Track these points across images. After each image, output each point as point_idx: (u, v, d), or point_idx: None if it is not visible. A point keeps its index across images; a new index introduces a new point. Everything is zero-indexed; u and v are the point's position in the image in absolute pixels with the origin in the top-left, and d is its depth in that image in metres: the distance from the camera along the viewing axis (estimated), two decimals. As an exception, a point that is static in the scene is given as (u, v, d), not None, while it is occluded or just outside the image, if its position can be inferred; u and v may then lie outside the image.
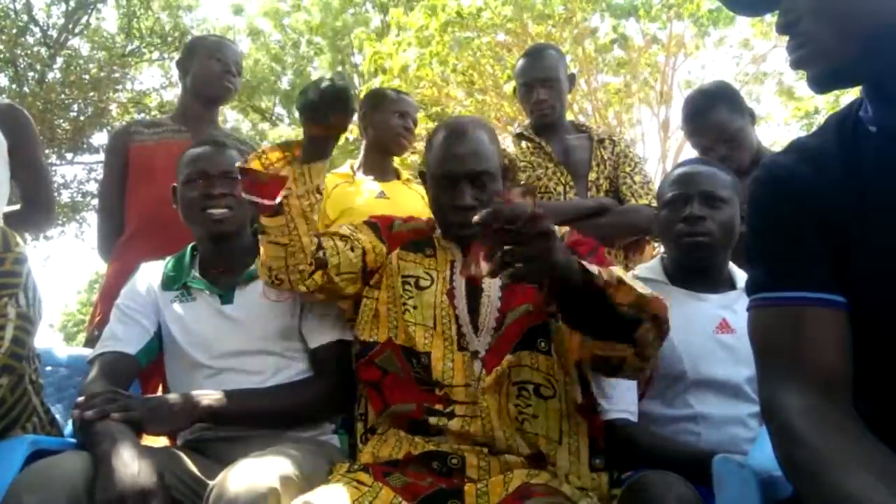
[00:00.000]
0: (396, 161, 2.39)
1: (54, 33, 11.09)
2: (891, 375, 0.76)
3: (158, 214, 1.96)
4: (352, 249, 1.33)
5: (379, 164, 2.27)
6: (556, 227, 1.20)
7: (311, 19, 12.31)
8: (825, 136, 0.83)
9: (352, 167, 2.28)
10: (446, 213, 1.34)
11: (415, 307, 1.31)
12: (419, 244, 1.39)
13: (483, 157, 1.32)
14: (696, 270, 1.46)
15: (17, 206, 1.92)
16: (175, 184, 1.54)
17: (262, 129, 13.86)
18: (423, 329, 1.30)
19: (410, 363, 1.28)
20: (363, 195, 2.16)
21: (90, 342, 1.97)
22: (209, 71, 2.13)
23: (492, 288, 1.30)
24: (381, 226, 1.42)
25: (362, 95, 2.45)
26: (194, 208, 1.46)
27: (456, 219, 1.31)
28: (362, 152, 2.34)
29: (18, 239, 1.24)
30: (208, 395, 1.29)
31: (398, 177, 2.30)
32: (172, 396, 1.29)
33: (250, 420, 1.33)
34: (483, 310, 1.29)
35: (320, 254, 1.28)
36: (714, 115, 1.95)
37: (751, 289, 0.84)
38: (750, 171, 1.85)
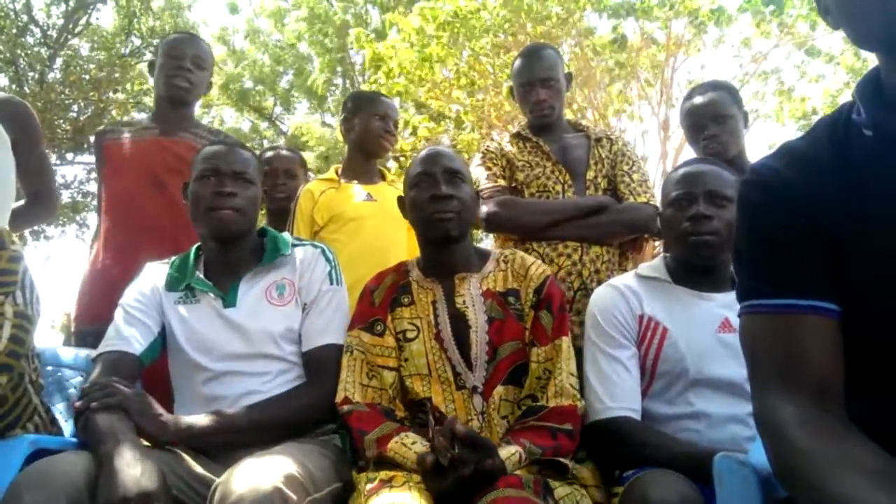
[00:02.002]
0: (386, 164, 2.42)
1: (54, 33, 11.08)
2: (888, 380, 0.76)
3: (127, 208, 2.03)
4: (389, 369, 1.40)
5: (363, 167, 2.30)
6: (536, 269, 1.46)
7: (300, 28, 12.32)
8: (816, 140, 0.82)
9: (336, 171, 2.31)
10: (425, 207, 1.42)
11: (406, 360, 1.41)
12: (398, 298, 1.46)
13: (457, 161, 1.48)
14: (699, 269, 1.45)
15: (21, 203, 1.92)
16: (186, 181, 1.53)
17: (261, 128, 13.86)
18: (419, 378, 1.39)
19: (417, 417, 1.38)
20: (350, 199, 2.18)
21: (76, 336, 2.04)
22: (163, 69, 2.14)
23: (478, 322, 1.40)
24: (365, 317, 1.44)
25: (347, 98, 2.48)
26: (202, 206, 1.45)
27: (435, 207, 1.41)
28: (346, 156, 2.36)
29: (14, 237, 1.24)
30: (197, 419, 1.28)
31: (383, 178, 2.34)
32: (164, 412, 1.28)
33: (245, 437, 1.28)
34: (473, 345, 1.38)
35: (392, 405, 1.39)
36: (714, 94, 2.07)
37: (741, 295, 0.84)
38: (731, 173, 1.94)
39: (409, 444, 1.24)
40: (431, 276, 1.46)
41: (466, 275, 1.45)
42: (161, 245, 1.57)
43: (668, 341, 1.40)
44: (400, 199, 1.57)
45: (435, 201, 1.41)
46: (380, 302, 1.46)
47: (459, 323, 1.40)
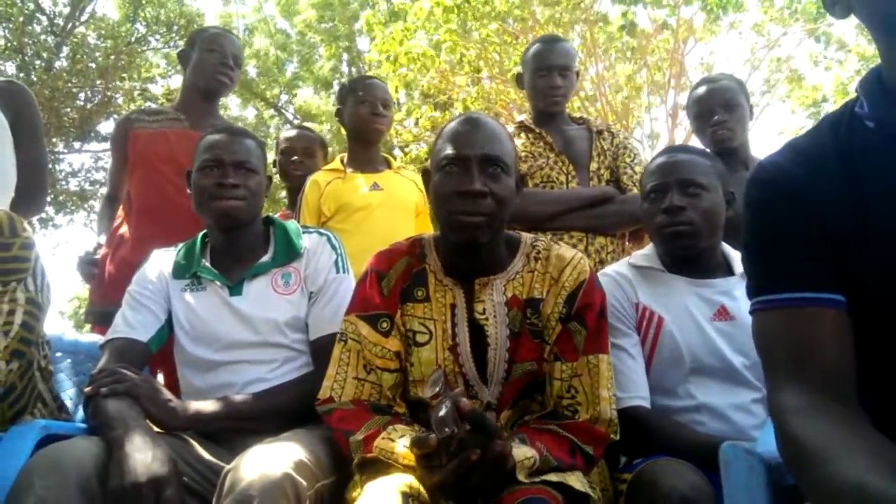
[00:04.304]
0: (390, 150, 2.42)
1: (60, 21, 11.07)
2: (891, 375, 0.76)
3: (156, 200, 2.04)
4: (389, 371, 1.21)
5: (365, 155, 2.28)
6: (572, 272, 1.21)
7: (310, 17, 12.26)
8: (820, 135, 0.83)
9: (342, 161, 2.29)
10: (451, 202, 1.15)
11: (412, 365, 1.22)
12: (411, 288, 1.24)
13: (498, 143, 1.18)
14: (685, 259, 1.44)
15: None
16: (189, 170, 1.53)
17: (266, 116, 13.83)
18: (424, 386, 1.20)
19: (418, 418, 1.22)
20: (356, 189, 2.18)
21: (89, 315, 2.10)
22: (205, 63, 2.15)
23: (499, 338, 1.20)
24: (368, 305, 1.23)
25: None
26: (205, 196, 1.45)
27: (462, 206, 1.13)
28: (348, 146, 2.36)
29: (25, 224, 1.24)
30: (206, 406, 1.29)
31: (389, 166, 2.32)
32: (173, 398, 1.29)
33: (253, 424, 1.29)
34: (491, 363, 1.20)
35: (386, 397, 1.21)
36: (724, 82, 2.10)
37: (751, 292, 0.84)
38: (733, 163, 2.01)
39: (397, 438, 1.07)
40: (452, 274, 1.23)
41: (489, 279, 1.21)
42: (189, 237, 1.57)
43: (663, 330, 1.38)
44: (425, 173, 1.28)
45: (463, 198, 1.13)
46: (389, 292, 1.23)
47: (477, 334, 1.20)
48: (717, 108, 2.03)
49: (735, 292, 1.40)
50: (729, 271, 1.45)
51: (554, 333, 1.19)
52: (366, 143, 2.30)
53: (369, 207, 2.15)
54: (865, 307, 0.76)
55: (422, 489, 1.00)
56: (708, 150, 2.11)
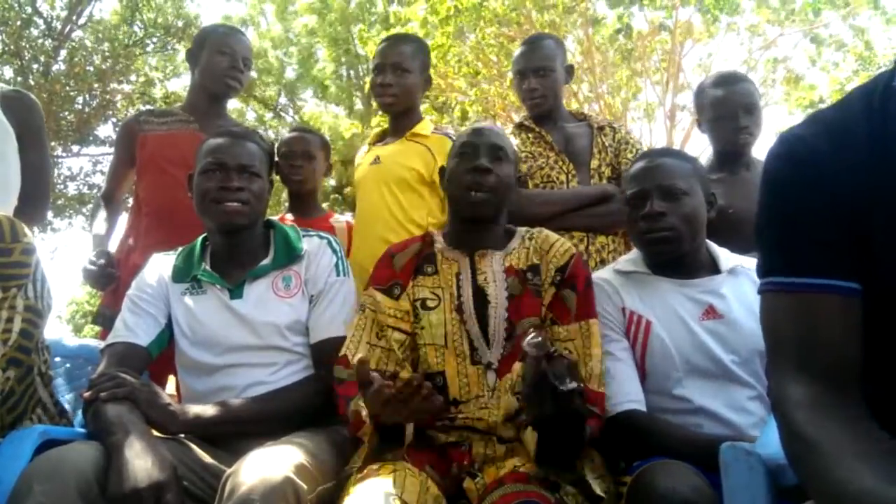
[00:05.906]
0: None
1: (58, 25, 11.08)
2: None
3: (167, 204, 2.01)
4: (400, 331, 1.37)
5: (396, 125, 2.12)
6: (561, 246, 1.41)
7: (311, 23, 12.26)
8: (848, 108, 0.78)
9: (378, 136, 2.22)
10: (462, 177, 1.39)
11: (423, 328, 1.37)
12: (420, 265, 1.44)
13: (503, 138, 1.47)
14: (670, 261, 1.43)
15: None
16: (191, 172, 1.52)
17: (266, 119, 13.83)
18: (433, 349, 1.36)
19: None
20: (362, 166, 2.13)
21: (99, 317, 2.07)
22: (216, 66, 2.10)
23: (498, 298, 1.37)
24: (383, 279, 1.43)
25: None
26: (208, 200, 1.44)
27: (472, 179, 1.38)
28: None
29: (26, 230, 1.24)
30: (206, 409, 1.29)
31: (411, 130, 2.06)
32: (173, 402, 1.29)
33: (253, 427, 1.29)
34: (492, 321, 1.35)
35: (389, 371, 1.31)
36: (745, 85, 2.03)
37: (762, 272, 0.81)
38: (736, 165, 1.99)
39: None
40: (457, 247, 1.44)
41: (487, 251, 1.42)
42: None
43: (652, 334, 1.38)
44: (441, 170, 1.55)
45: (473, 173, 1.38)
46: (401, 267, 1.44)
47: (480, 298, 1.37)
48: (741, 113, 1.95)
49: (722, 290, 1.40)
50: (715, 269, 1.44)
51: (548, 296, 1.37)
52: (398, 116, 2.09)
53: (362, 185, 2.07)
54: (883, 293, 0.73)
55: (406, 490, 1.07)
56: (714, 148, 2.09)
